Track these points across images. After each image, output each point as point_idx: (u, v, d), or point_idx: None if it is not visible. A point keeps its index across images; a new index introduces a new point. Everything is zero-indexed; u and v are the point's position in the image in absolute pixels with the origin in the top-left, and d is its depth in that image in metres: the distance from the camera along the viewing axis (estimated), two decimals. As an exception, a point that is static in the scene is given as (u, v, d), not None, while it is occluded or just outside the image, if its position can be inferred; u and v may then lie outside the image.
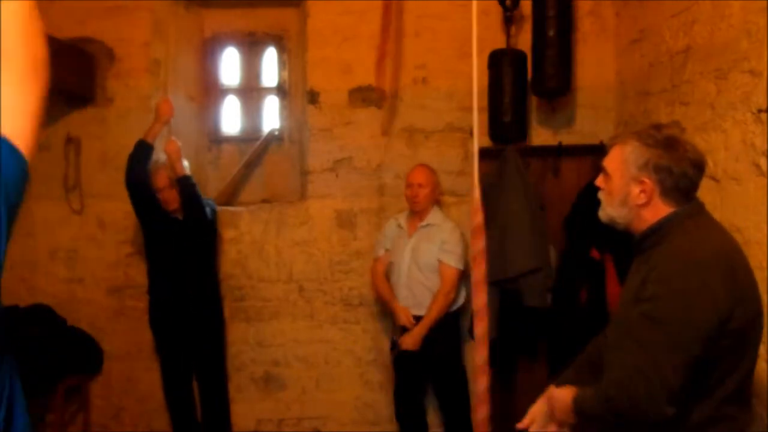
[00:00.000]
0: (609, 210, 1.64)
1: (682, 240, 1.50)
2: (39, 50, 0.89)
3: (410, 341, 3.12)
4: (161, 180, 3.28)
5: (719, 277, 1.43)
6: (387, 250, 3.33)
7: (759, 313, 1.50)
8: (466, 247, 3.18)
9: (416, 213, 3.25)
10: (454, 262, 3.13)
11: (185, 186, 3.25)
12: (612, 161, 1.62)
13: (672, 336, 1.41)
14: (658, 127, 1.63)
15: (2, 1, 0.82)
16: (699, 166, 1.55)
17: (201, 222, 3.31)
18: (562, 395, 1.65)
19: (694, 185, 1.56)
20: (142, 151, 3.27)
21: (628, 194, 1.57)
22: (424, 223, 3.23)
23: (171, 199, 3.28)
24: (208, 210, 3.34)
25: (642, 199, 1.55)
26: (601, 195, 1.67)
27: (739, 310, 1.43)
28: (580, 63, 3.56)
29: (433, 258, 3.17)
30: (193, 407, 3.46)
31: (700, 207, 1.59)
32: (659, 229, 1.55)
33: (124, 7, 3.65)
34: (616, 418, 1.47)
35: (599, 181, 1.67)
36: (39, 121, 0.86)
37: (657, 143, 1.55)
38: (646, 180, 1.54)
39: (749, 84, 2.14)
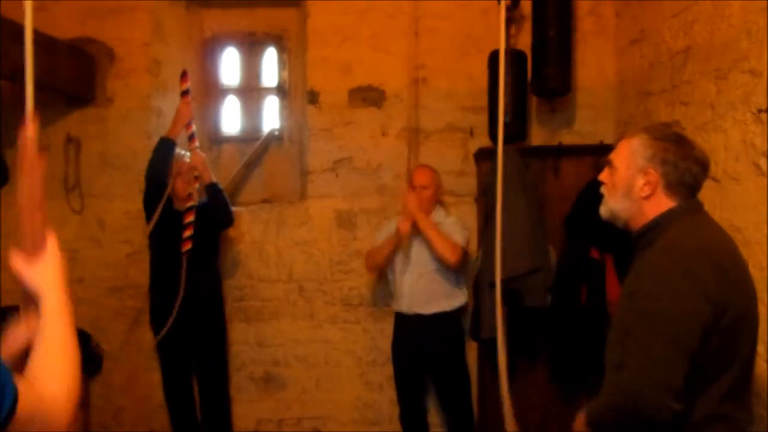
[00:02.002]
0: (611, 203, 1.64)
1: (675, 234, 1.50)
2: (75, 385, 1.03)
3: (407, 221, 3.08)
4: (185, 165, 3.34)
5: (707, 269, 1.43)
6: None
7: (748, 312, 1.50)
8: (468, 235, 3.24)
9: None
10: (459, 239, 3.14)
11: (215, 192, 3.38)
12: (619, 154, 1.63)
13: (668, 331, 1.40)
14: (666, 124, 1.65)
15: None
16: (704, 166, 1.56)
17: (228, 225, 3.47)
18: (578, 418, 1.68)
19: (698, 183, 1.56)
20: (166, 146, 3.32)
21: (632, 186, 1.58)
22: None
23: (185, 186, 3.33)
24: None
25: (646, 191, 1.56)
26: (603, 189, 1.67)
27: (729, 306, 1.43)
28: (580, 63, 3.56)
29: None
30: (193, 407, 3.45)
31: (699, 206, 1.60)
32: (656, 226, 1.55)
33: (124, 7, 3.65)
34: (627, 421, 1.47)
35: (603, 175, 1.67)
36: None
37: (665, 137, 1.56)
38: (652, 171, 1.55)
39: (749, 84, 2.13)
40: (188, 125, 3.35)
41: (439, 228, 3.11)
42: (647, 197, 1.56)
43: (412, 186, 3.24)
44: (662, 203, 1.56)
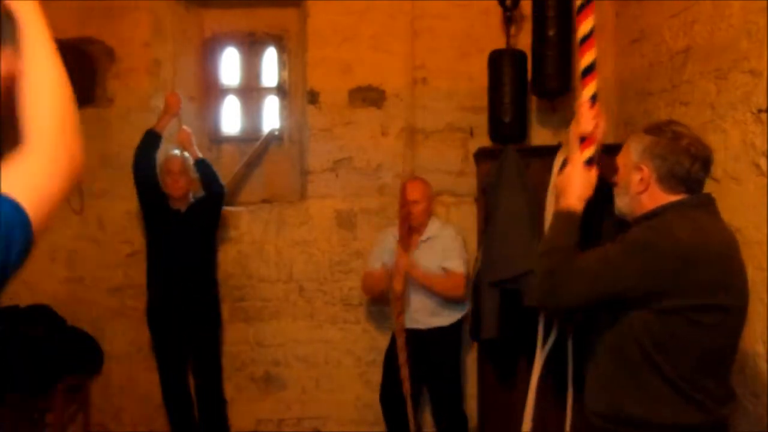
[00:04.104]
0: (617, 201, 1.68)
1: (664, 220, 1.53)
2: (70, 118, 0.86)
3: (400, 280, 3.04)
4: (175, 164, 3.36)
5: (677, 256, 1.46)
6: (384, 264, 3.25)
7: (721, 307, 1.51)
8: (467, 251, 3.23)
9: (414, 228, 3.23)
10: (458, 267, 3.15)
11: (204, 166, 3.42)
12: (621, 155, 1.66)
13: (603, 270, 1.52)
14: (669, 122, 1.65)
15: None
16: (700, 160, 1.56)
17: (221, 198, 3.45)
18: (576, 194, 1.69)
19: (691, 176, 1.56)
20: (151, 139, 3.35)
21: (629, 182, 1.61)
22: (424, 237, 3.23)
23: (179, 185, 3.35)
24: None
25: (641, 186, 1.59)
26: (615, 191, 1.70)
27: (690, 294, 1.47)
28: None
29: (437, 268, 3.18)
30: (191, 405, 3.46)
31: (704, 201, 1.59)
32: (652, 216, 1.57)
33: (124, 7, 3.65)
34: (539, 259, 1.67)
35: (616, 177, 1.70)
36: (59, 196, 0.84)
37: (659, 133, 1.58)
38: (644, 167, 1.57)
39: (749, 84, 2.14)
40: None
41: (434, 275, 3.12)
42: (642, 192, 1.59)
43: (404, 201, 3.18)
44: (659, 196, 1.58)
